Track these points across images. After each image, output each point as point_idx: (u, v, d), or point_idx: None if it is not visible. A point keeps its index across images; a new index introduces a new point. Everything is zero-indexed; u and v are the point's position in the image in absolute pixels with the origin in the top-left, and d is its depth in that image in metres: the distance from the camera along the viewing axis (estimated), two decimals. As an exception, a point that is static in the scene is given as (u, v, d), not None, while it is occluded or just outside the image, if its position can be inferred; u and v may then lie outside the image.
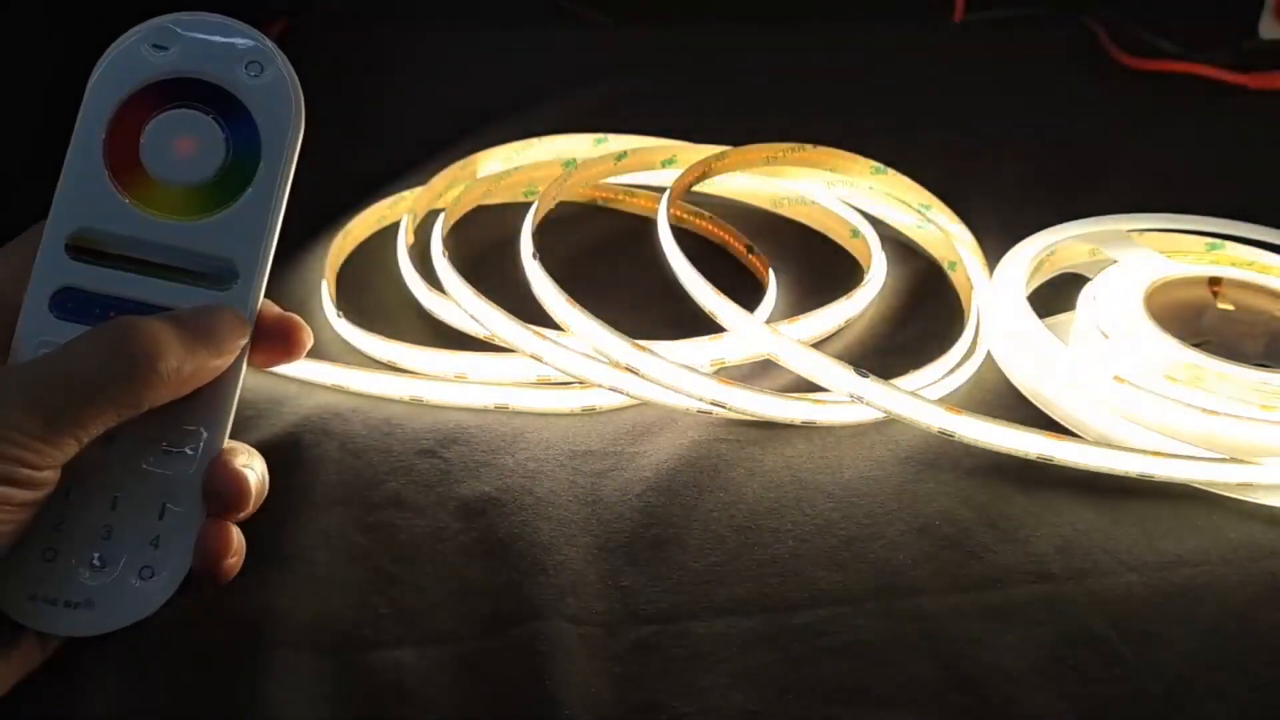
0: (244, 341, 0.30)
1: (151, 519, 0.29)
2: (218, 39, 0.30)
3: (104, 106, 0.30)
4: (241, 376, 0.31)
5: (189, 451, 0.30)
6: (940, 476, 0.41)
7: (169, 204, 0.30)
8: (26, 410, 0.27)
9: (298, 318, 0.32)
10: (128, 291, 0.30)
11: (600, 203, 0.59)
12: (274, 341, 0.32)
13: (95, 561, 0.29)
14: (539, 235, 0.47)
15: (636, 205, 0.58)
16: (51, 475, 0.28)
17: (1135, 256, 0.50)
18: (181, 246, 0.30)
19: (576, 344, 0.43)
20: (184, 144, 0.30)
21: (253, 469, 0.31)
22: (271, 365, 0.32)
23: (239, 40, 0.30)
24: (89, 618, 0.29)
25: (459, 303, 0.45)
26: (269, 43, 0.31)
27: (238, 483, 0.30)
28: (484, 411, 0.43)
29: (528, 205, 0.49)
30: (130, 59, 0.30)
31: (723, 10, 0.89)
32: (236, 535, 0.31)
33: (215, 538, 0.30)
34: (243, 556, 0.31)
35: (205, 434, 0.30)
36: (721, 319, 0.44)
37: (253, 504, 0.31)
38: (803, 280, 0.53)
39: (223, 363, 0.30)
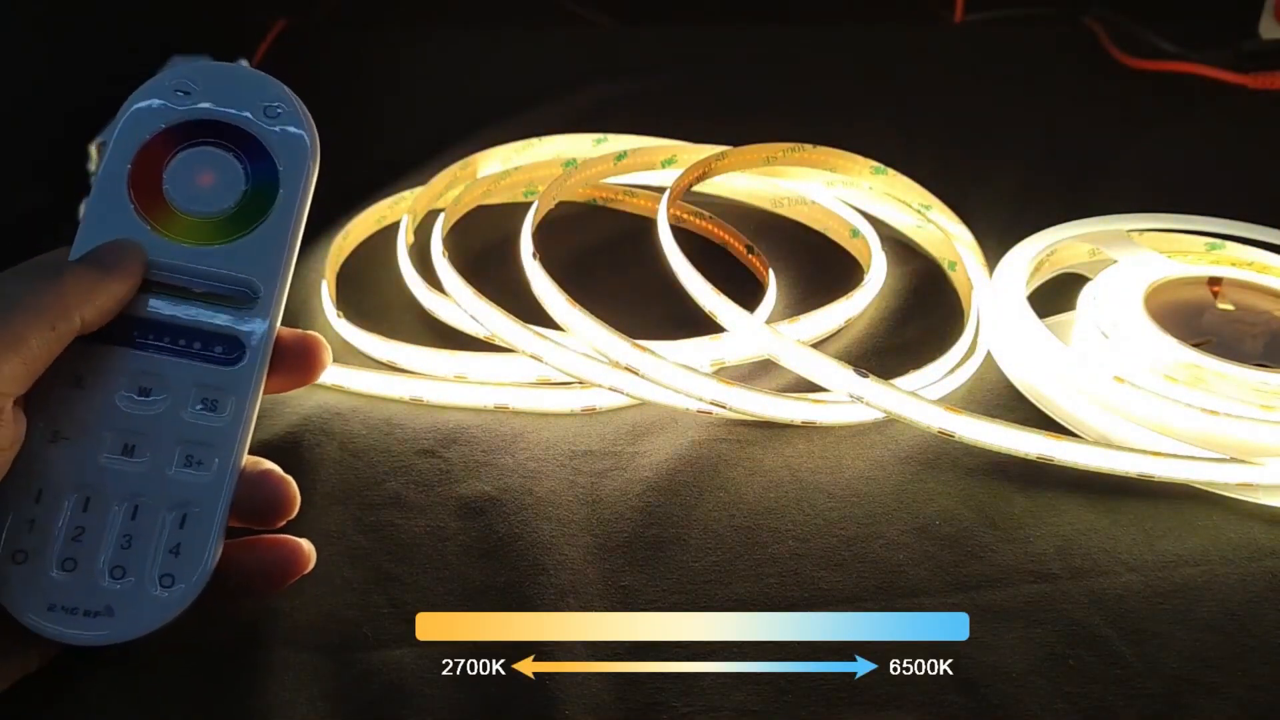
0: (140, 263, 0.30)
1: (173, 528, 0.30)
2: (238, 85, 0.32)
3: (130, 144, 0.32)
4: (261, 390, 0.31)
5: (210, 461, 0.30)
6: (940, 476, 0.41)
7: (190, 232, 0.31)
8: None
9: (318, 336, 0.32)
10: (149, 312, 0.31)
11: (600, 203, 0.59)
12: (294, 361, 0.32)
13: (115, 570, 0.29)
14: (539, 235, 0.47)
15: (636, 205, 0.58)
16: (10, 417, 0.28)
17: (1135, 256, 0.50)
18: (202, 270, 0.31)
19: (576, 344, 0.43)
20: (205, 177, 0.32)
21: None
22: (293, 386, 0.32)
23: (257, 86, 0.32)
24: (108, 626, 0.29)
25: (459, 303, 0.45)
26: (285, 89, 0.32)
27: (285, 488, 0.31)
28: (484, 411, 0.43)
29: (528, 205, 0.49)
30: (155, 102, 0.32)
31: (723, 10, 0.89)
32: (309, 550, 0.31)
33: (294, 553, 0.31)
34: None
35: (226, 444, 0.30)
36: (721, 319, 0.44)
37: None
38: (803, 280, 0.53)
39: (126, 284, 0.30)
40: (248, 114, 0.32)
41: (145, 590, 0.29)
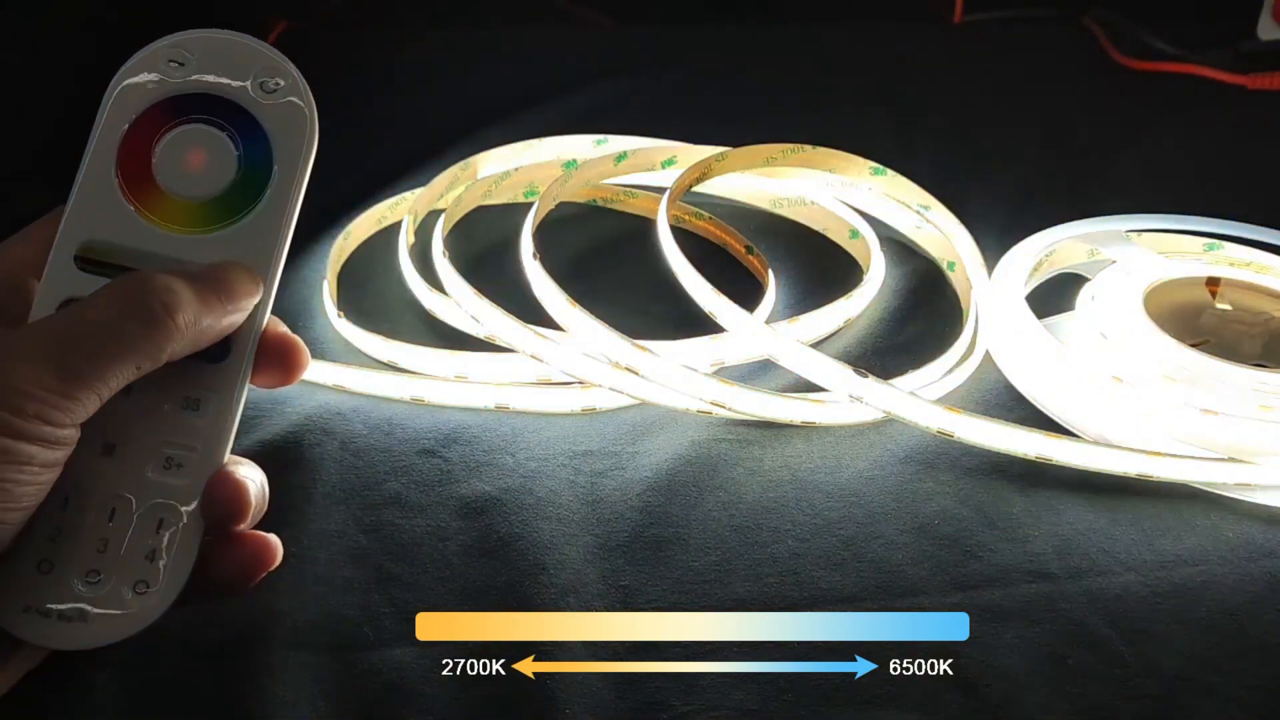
0: (256, 299, 0.29)
1: (149, 532, 0.29)
2: (234, 56, 0.30)
3: (119, 120, 0.30)
4: (245, 389, 0.30)
5: (190, 464, 0.29)
6: (940, 476, 0.41)
7: (180, 217, 0.30)
8: (47, 365, 0.26)
9: (298, 339, 0.31)
10: None
11: (600, 203, 0.59)
12: (277, 359, 0.30)
13: (90, 574, 0.28)
14: (539, 235, 0.47)
15: (636, 206, 0.58)
16: (72, 434, 0.27)
17: (1134, 256, 0.50)
18: (190, 260, 0.30)
19: (576, 344, 0.43)
20: (196, 159, 0.30)
21: (253, 480, 0.30)
22: (270, 386, 0.31)
23: (255, 57, 0.30)
24: (82, 631, 0.28)
25: (459, 303, 0.45)
26: (285, 60, 0.31)
27: (238, 493, 0.29)
28: (484, 411, 0.43)
29: (528, 205, 0.49)
30: (147, 73, 0.30)
31: (722, 10, 0.89)
32: (276, 544, 0.30)
33: (263, 549, 0.30)
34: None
35: (207, 446, 0.29)
36: (721, 319, 0.44)
37: (252, 516, 0.30)
38: (802, 280, 0.53)
39: (236, 319, 0.29)
40: (244, 87, 0.30)
41: (119, 596, 0.28)
